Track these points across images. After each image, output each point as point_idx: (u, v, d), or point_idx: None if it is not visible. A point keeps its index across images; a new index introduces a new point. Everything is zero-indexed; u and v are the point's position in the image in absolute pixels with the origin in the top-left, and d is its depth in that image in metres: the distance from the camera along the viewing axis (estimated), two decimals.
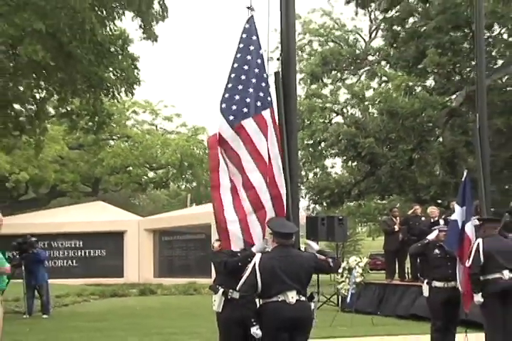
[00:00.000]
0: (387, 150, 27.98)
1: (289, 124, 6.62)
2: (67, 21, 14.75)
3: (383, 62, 31.55)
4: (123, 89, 17.68)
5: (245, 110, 6.36)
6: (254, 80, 6.45)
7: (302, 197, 31.02)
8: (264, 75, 6.57)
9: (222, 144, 6.38)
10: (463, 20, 25.81)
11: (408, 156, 27.92)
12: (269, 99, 6.54)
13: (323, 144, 30.51)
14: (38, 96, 18.43)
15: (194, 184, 47.55)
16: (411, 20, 29.66)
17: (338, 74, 31.84)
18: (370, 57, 31.83)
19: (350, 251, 50.28)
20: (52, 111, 22.28)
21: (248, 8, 6.58)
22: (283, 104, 6.58)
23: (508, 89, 29.16)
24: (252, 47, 6.54)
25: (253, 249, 6.39)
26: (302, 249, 6.58)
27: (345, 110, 31.40)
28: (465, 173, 9.77)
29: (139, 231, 29.18)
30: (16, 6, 14.28)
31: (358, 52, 31.59)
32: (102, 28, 16.16)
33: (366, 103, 30.78)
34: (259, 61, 6.55)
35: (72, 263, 29.10)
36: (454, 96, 29.19)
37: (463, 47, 27.11)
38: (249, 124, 6.34)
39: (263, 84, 6.53)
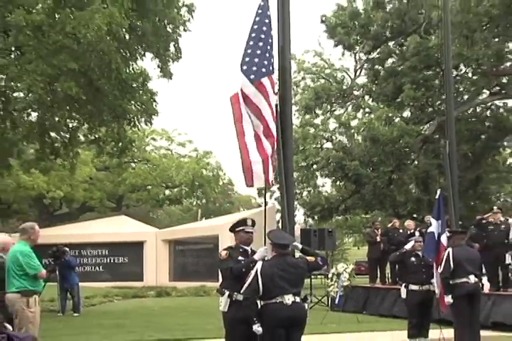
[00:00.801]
0: (370, 172, 27.95)
1: (285, 149, 6.63)
2: (97, 62, 14.82)
3: (366, 97, 31.63)
4: (143, 119, 17.65)
5: (263, 70, 6.55)
6: (269, 47, 6.64)
7: (297, 210, 31.05)
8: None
9: (245, 99, 6.51)
10: (434, 61, 25.91)
11: (388, 177, 27.92)
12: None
13: (315, 166, 30.51)
14: (70, 125, 18.42)
15: (204, 201, 47.47)
16: (390, 60, 29.79)
17: (328, 107, 31.86)
18: (356, 92, 31.89)
19: (338, 258, 49.97)
20: (82, 138, 22.23)
21: None
22: (281, 133, 6.60)
23: (473, 119, 29.23)
24: (266, 21, 6.71)
25: (255, 257, 6.40)
26: (297, 255, 6.59)
27: (334, 137, 31.44)
28: (438, 192, 9.79)
29: (156, 242, 29.03)
30: (53, 49, 14.35)
31: (344, 87, 31.62)
32: (126, 67, 16.24)
33: (352, 131, 30.88)
34: (272, 32, 6.73)
35: (99, 268, 28.91)
36: (427, 126, 29.25)
37: (434, 84, 27.16)
38: (266, 82, 6.54)
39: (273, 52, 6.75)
